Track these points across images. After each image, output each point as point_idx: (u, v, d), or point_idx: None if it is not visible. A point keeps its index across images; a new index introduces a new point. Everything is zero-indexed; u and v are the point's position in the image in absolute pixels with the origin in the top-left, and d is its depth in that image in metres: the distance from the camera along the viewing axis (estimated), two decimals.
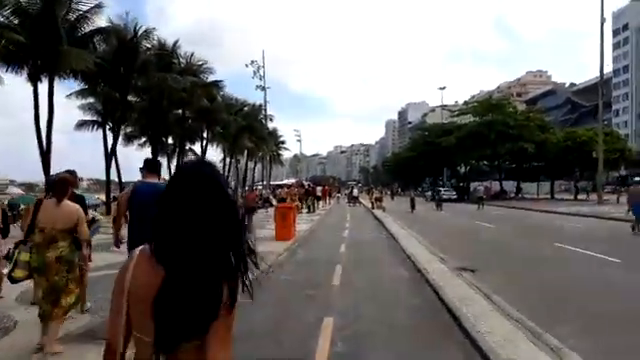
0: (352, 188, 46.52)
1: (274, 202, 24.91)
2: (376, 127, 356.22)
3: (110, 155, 24.82)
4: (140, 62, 22.63)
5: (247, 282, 1.31)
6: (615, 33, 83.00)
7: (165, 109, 27.88)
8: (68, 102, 26.29)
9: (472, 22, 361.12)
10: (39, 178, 26.93)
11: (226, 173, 45.99)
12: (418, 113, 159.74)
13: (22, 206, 17.00)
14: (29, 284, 5.20)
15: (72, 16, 18.28)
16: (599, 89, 35.94)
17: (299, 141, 73.35)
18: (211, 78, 32.66)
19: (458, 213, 27.67)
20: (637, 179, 15.04)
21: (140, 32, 22.60)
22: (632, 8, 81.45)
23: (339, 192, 55.67)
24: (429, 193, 56.31)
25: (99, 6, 18.50)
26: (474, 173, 61.61)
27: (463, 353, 4.63)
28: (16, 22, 17.20)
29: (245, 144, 42.53)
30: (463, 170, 62.52)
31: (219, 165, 46.20)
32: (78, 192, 6.37)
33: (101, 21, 19.88)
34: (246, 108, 45.03)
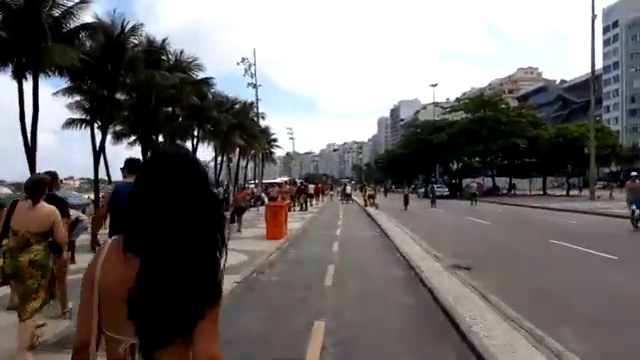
0: (345, 185, 46.32)
1: (266, 200, 24.61)
2: (369, 125, 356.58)
3: (98, 154, 24.37)
4: (127, 59, 22.15)
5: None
6: (605, 30, 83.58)
7: (154, 107, 27.39)
8: (60, 100, 25.92)
9: (464, 20, 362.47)
10: (27, 178, 26.41)
11: (218, 172, 45.62)
12: (410, 110, 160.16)
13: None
14: (6, 289, 4.93)
15: (56, 12, 17.80)
16: (591, 85, 36.02)
17: (292, 139, 73.05)
18: (201, 75, 32.27)
19: (451, 210, 27.57)
20: (634, 174, 14.89)
21: (127, 28, 22.17)
22: (622, 5, 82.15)
23: (332, 190, 55.43)
24: (422, 190, 56.34)
25: (85, 1, 18.07)
26: (466, 170, 61.73)
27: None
28: None
29: (236, 142, 42.11)
30: (455, 167, 62.62)
31: (211, 164, 46.15)
32: (60, 193, 6.12)
33: (87, 17, 19.46)
34: (237, 106, 44.59)
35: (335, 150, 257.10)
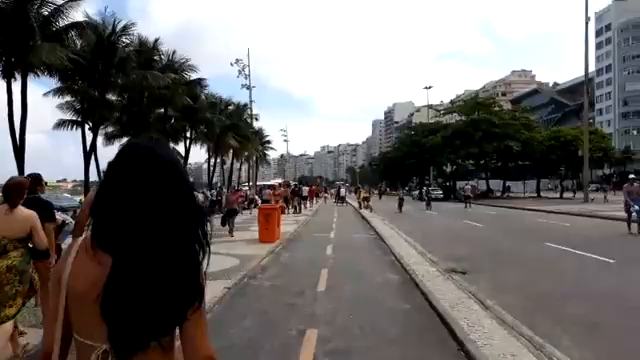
0: (339, 188, 46.14)
1: (259, 202, 24.36)
2: (363, 127, 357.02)
3: (89, 155, 24.02)
4: (118, 58, 21.84)
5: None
6: (598, 33, 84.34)
7: (146, 108, 27.10)
8: (52, 101, 25.63)
9: (458, 23, 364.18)
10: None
11: (211, 174, 45.30)
12: (405, 113, 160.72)
13: None
14: None
15: (45, 10, 17.52)
16: (585, 87, 36.15)
17: (286, 141, 72.86)
18: (194, 76, 32.02)
19: (446, 212, 27.47)
20: (632, 176, 14.80)
21: (119, 27, 21.88)
22: (614, 8, 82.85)
23: (326, 192, 55.20)
24: (416, 192, 56.31)
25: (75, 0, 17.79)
26: (460, 172, 61.84)
27: None
28: None
29: (230, 143, 41.85)
30: (449, 169, 62.69)
31: (204, 166, 45.67)
32: (53, 196, 5.90)
33: (78, 15, 19.17)
34: (231, 107, 44.40)
35: (329, 152, 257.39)
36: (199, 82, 33.21)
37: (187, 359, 1.16)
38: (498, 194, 51.02)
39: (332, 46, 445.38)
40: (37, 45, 16.14)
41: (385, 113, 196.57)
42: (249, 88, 37.08)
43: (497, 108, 54.29)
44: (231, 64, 35.88)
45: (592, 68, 66.34)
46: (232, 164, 52.19)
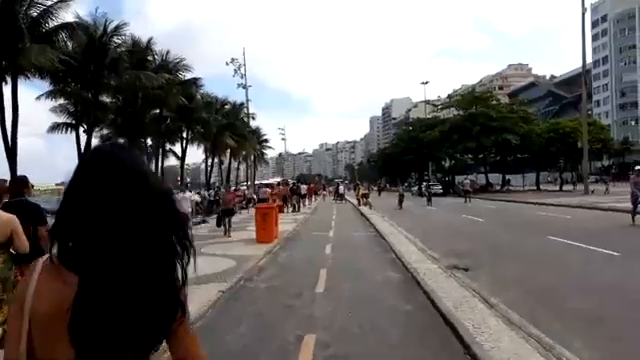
0: (338, 185, 45.91)
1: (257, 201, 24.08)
2: (361, 124, 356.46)
3: None
4: (110, 59, 21.52)
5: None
6: (594, 25, 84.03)
7: (140, 109, 26.80)
8: (47, 104, 25.37)
9: (453, 18, 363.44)
10: None
11: (209, 173, 45.07)
12: (402, 109, 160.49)
13: None
14: None
15: (34, 11, 17.21)
16: (582, 78, 35.94)
17: (284, 139, 72.42)
18: (189, 76, 31.71)
19: (445, 207, 27.25)
20: (638, 167, 14.54)
21: (110, 28, 21.55)
22: (610, 0, 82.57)
23: (325, 190, 54.93)
24: (415, 188, 56.07)
25: (64, 0, 17.45)
26: (459, 167, 61.65)
27: None
28: None
29: (227, 143, 41.60)
30: (448, 164, 62.49)
31: (202, 165, 45.47)
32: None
33: (68, 16, 18.85)
34: (227, 106, 44.12)
35: (328, 150, 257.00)
36: (194, 82, 32.92)
37: None
38: (497, 188, 50.84)
39: (328, 44, 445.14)
40: (26, 47, 15.85)
41: (383, 109, 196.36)
42: (245, 87, 36.76)
43: (495, 102, 54.03)
44: (227, 63, 35.53)
45: (589, 60, 66.05)
46: (230, 164, 51.96)
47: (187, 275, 1.12)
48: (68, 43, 19.52)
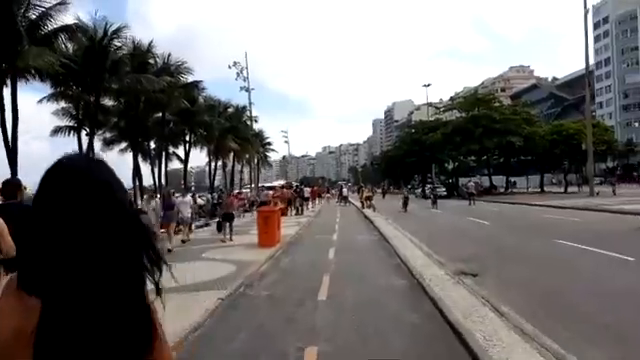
0: (341, 187, 45.67)
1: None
2: (364, 126, 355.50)
3: None
4: (110, 62, 21.37)
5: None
6: (595, 26, 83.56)
7: (142, 112, 26.65)
8: (51, 107, 25.36)
9: (455, 20, 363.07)
10: None
11: (212, 177, 44.94)
12: (404, 111, 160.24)
13: None
14: None
15: (33, 14, 17.08)
16: (586, 80, 35.62)
17: (287, 142, 72.10)
18: (191, 79, 31.59)
19: (450, 210, 26.96)
20: None
21: (111, 30, 21.39)
22: (611, 1, 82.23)
23: (328, 192, 54.67)
24: (419, 190, 55.73)
25: (63, 3, 17.32)
26: (462, 169, 61.32)
27: None
28: None
29: (230, 146, 41.45)
30: (451, 166, 62.18)
31: (206, 168, 45.36)
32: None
33: (68, 19, 18.71)
34: (230, 109, 44.01)
35: (331, 152, 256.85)
36: (196, 85, 32.79)
37: None
38: (501, 190, 50.48)
39: (330, 47, 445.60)
40: (25, 50, 15.70)
41: (385, 112, 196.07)
42: (248, 90, 36.61)
43: (497, 104, 53.71)
44: (229, 66, 35.39)
45: (591, 61, 65.85)
46: (233, 166, 51.83)
47: (161, 289, 1.06)
48: (68, 46, 19.41)
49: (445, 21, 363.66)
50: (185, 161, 38.60)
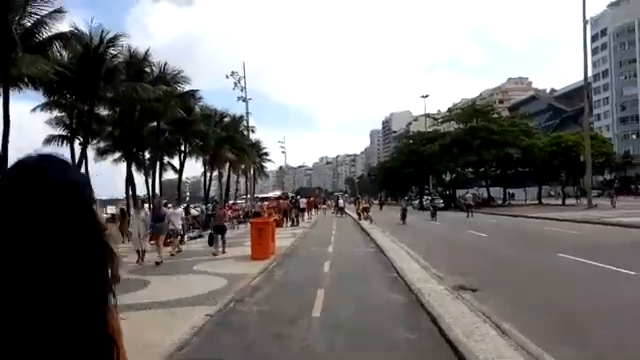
0: (338, 198, 45.27)
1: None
2: (361, 137, 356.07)
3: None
4: (105, 70, 21.16)
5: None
6: (594, 38, 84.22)
7: (137, 121, 26.41)
8: (45, 117, 25.09)
9: (453, 31, 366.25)
10: None
11: (207, 187, 44.58)
12: (402, 122, 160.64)
13: None
14: None
15: (28, 21, 16.90)
16: (585, 92, 35.68)
17: (284, 153, 71.92)
18: (187, 88, 31.44)
19: (448, 222, 26.66)
20: None
21: (107, 38, 21.22)
22: (610, 13, 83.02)
23: (324, 203, 54.29)
24: (416, 202, 55.44)
25: (59, 11, 17.16)
26: (459, 180, 61.15)
27: None
28: None
29: (226, 156, 41.17)
30: (448, 178, 62.03)
31: (201, 179, 45.00)
32: None
33: (63, 26, 18.54)
34: (226, 119, 43.80)
35: (328, 163, 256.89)
36: (192, 94, 32.63)
37: None
38: (499, 202, 50.28)
39: (328, 59, 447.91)
40: (18, 57, 15.48)
41: (383, 123, 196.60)
42: (245, 100, 36.48)
43: (495, 115, 53.77)
44: (226, 76, 35.27)
45: (589, 73, 66.27)
46: (229, 177, 51.48)
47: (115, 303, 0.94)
48: (63, 53, 19.21)
49: (444, 32, 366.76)
50: (180, 171, 38.31)
